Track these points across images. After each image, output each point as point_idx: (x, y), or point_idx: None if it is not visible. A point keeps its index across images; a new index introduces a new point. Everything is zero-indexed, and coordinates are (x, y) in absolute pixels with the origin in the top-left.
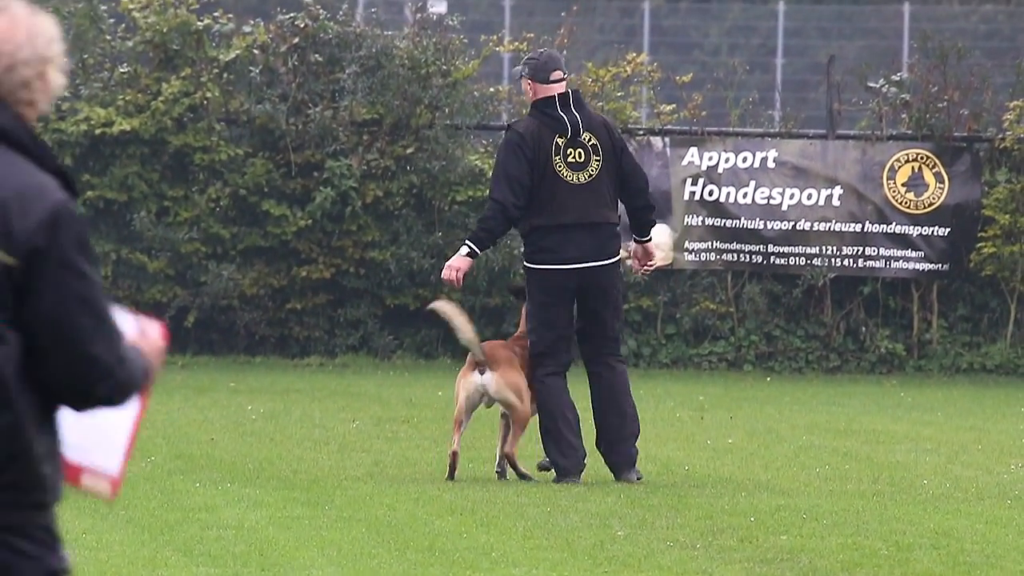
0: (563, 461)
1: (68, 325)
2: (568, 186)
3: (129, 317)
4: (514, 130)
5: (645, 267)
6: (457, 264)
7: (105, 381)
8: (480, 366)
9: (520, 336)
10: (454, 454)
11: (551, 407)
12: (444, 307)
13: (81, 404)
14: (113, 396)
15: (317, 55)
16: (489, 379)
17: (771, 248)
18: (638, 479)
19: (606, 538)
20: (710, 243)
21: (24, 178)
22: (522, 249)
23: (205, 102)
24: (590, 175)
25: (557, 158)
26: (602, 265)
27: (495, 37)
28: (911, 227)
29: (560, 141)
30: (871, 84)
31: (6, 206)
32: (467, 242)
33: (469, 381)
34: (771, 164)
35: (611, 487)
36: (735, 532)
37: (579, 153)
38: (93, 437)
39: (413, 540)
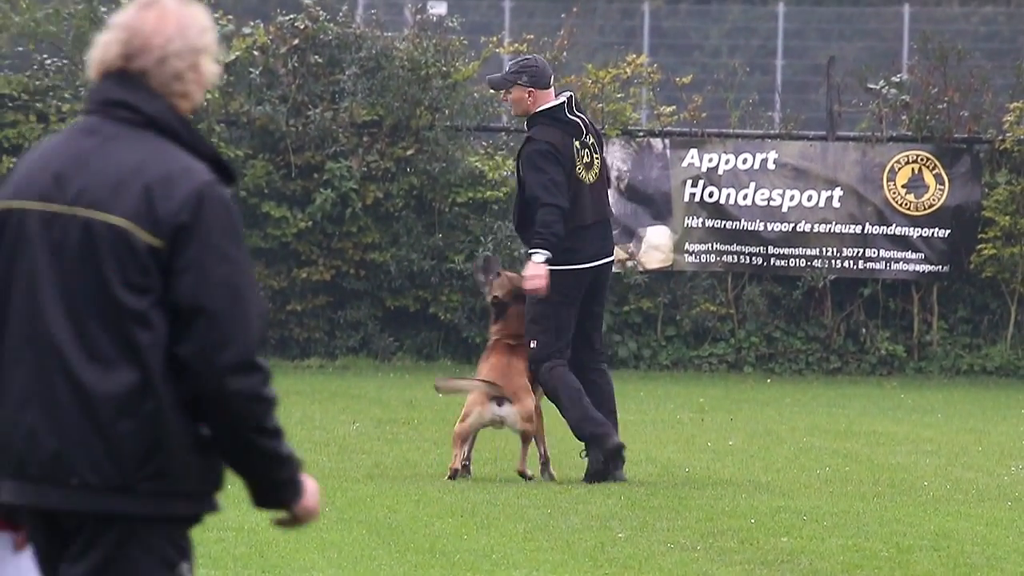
0: (600, 429)
1: (208, 305)
2: (585, 187)
3: None
4: (543, 141)
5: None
6: (542, 272)
7: (238, 376)
8: (499, 399)
9: (507, 336)
10: (455, 471)
11: (570, 391)
12: (447, 386)
13: (215, 396)
14: (242, 404)
15: (317, 56)
16: (508, 412)
17: (771, 250)
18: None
19: (606, 540)
20: (710, 245)
21: (171, 162)
22: (526, 251)
23: (205, 103)
24: (596, 174)
25: (577, 161)
26: (609, 262)
27: (495, 38)
28: (911, 229)
29: (577, 144)
30: (871, 86)
31: (151, 190)
32: (540, 250)
33: (487, 411)
34: (771, 166)
35: (611, 489)
36: (735, 534)
37: (587, 153)
38: None
39: (414, 542)
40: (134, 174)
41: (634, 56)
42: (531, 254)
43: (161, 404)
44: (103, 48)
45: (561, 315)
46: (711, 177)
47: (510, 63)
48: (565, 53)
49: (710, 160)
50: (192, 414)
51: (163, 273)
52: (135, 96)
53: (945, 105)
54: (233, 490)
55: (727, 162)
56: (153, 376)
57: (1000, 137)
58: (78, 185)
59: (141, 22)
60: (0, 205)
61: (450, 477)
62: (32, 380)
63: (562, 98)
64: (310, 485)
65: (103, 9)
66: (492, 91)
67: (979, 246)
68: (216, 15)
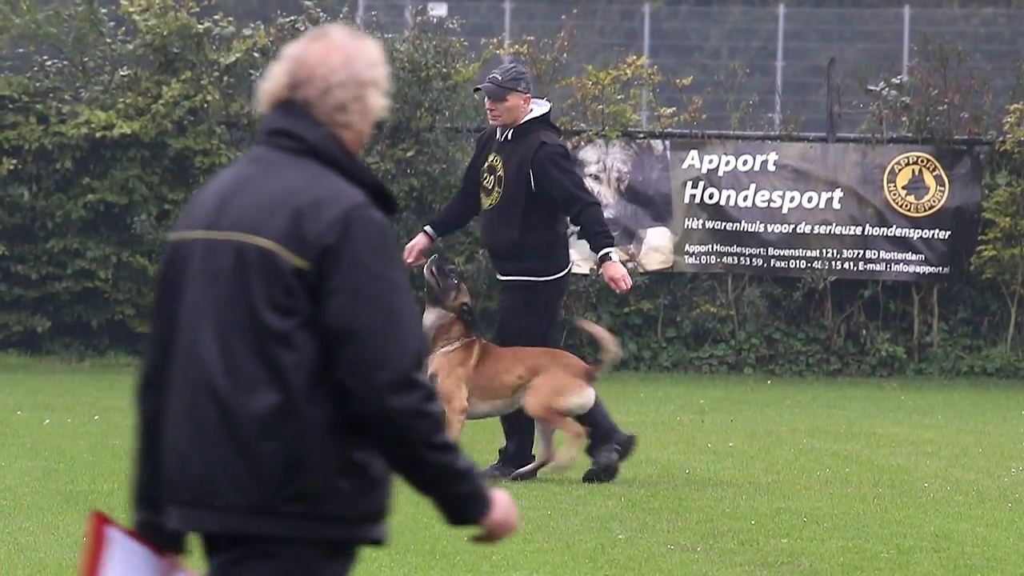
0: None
1: (360, 326)
2: None
3: None
4: (561, 145)
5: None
6: (625, 271)
7: (399, 394)
8: (592, 380)
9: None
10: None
11: None
12: (585, 326)
13: (372, 411)
14: (405, 415)
15: None
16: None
17: (771, 251)
18: None
19: (606, 541)
20: (710, 246)
21: (324, 187)
22: (599, 254)
23: (205, 105)
24: None
25: None
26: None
27: (495, 40)
28: (911, 230)
29: None
30: (871, 87)
31: (301, 213)
32: (609, 249)
33: (590, 393)
34: (771, 167)
35: (611, 490)
36: (736, 535)
37: None
38: None
39: (414, 544)
40: (286, 198)
41: (634, 57)
42: (606, 255)
43: (304, 425)
44: (272, 79)
45: (546, 326)
46: (711, 178)
47: (498, 71)
48: (565, 55)
49: (710, 161)
50: (349, 436)
51: (310, 295)
52: (297, 125)
53: (945, 106)
54: None
55: (727, 163)
56: (296, 397)
57: (1000, 138)
58: (236, 211)
59: (308, 53)
60: (174, 237)
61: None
62: (185, 404)
63: (546, 105)
64: (500, 498)
65: (103, 11)
66: (483, 97)
67: (979, 247)
68: (216, 16)
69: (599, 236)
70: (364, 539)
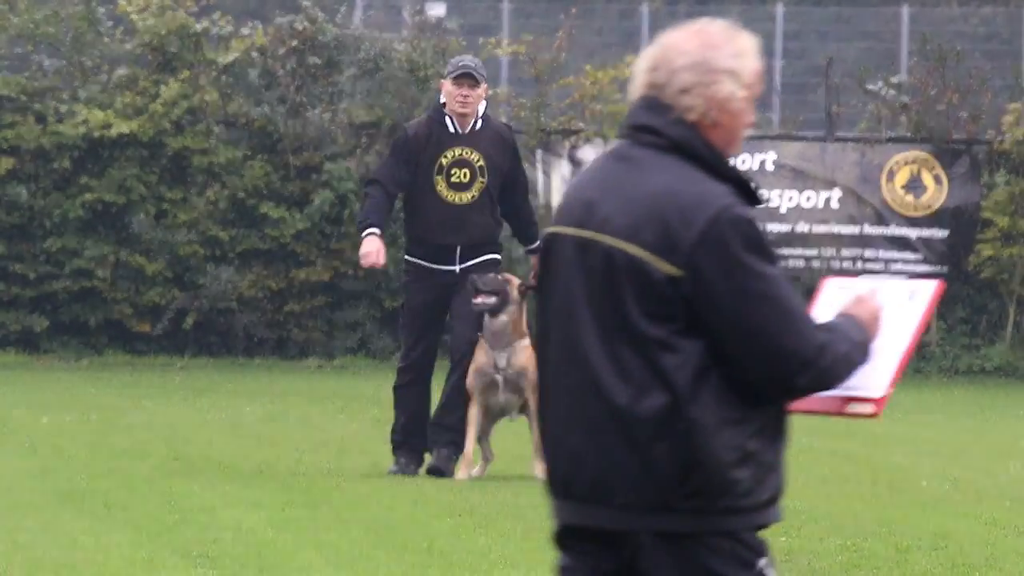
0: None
1: (754, 325)
2: None
3: (894, 284)
4: None
5: None
6: None
7: (803, 373)
8: None
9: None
10: None
11: None
12: None
13: (783, 398)
14: (815, 385)
15: (315, 58)
16: None
17: None
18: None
19: None
20: None
21: (690, 190)
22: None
23: (203, 105)
24: None
25: None
26: None
27: (493, 40)
28: (910, 229)
29: None
30: (870, 86)
31: (669, 219)
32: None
33: None
34: (770, 166)
35: None
36: None
37: None
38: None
39: (411, 542)
40: (653, 203)
41: (633, 57)
42: (535, 249)
43: (692, 424)
44: (638, 68)
45: None
46: None
47: (467, 60)
48: (564, 54)
49: None
50: (740, 428)
51: (686, 301)
52: (658, 120)
53: (944, 106)
54: (231, 490)
55: None
56: (681, 398)
57: (999, 138)
58: (603, 212)
59: (669, 39)
60: (550, 229)
61: None
62: (573, 402)
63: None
64: (861, 312)
65: (101, 11)
66: (460, 79)
67: (978, 247)
68: (215, 16)
69: (535, 226)
70: (760, 525)
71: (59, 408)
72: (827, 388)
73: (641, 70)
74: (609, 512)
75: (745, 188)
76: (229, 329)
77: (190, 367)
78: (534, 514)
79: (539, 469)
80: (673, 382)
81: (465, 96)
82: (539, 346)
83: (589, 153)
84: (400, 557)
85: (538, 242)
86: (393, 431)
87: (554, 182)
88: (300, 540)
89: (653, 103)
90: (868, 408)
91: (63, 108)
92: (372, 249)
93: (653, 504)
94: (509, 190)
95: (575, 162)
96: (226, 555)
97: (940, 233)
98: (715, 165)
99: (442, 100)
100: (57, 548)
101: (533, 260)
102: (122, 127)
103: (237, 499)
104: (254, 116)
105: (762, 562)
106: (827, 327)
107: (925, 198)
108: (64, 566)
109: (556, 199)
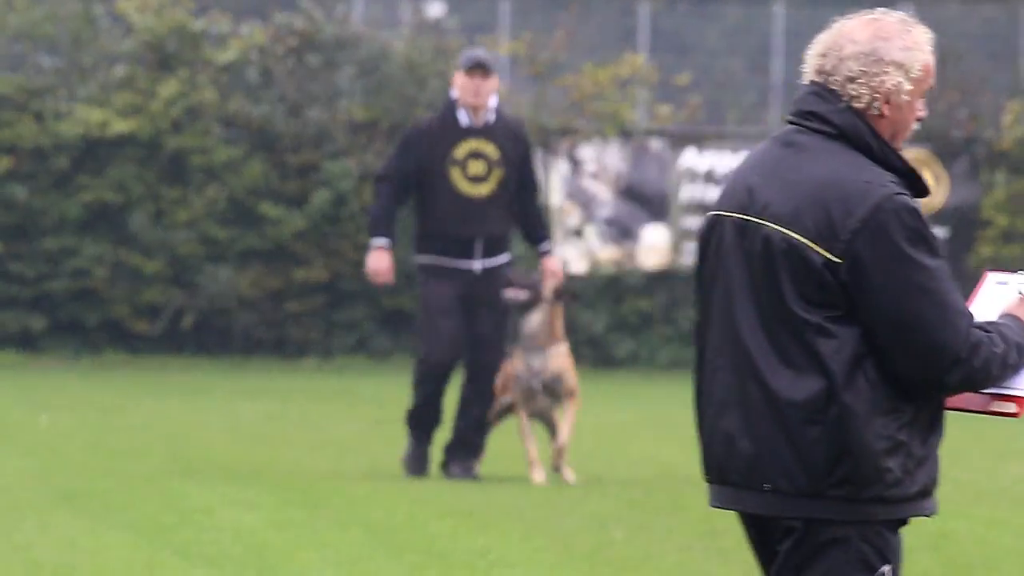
0: None
1: (910, 316)
2: None
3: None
4: None
5: None
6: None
7: (954, 370)
8: None
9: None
10: None
11: None
12: None
13: (933, 393)
14: (965, 384)
15: (314, 56)
16: None
17: None
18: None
19: (604, 540)
20: None
21: (853, 177)
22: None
23: (202, 104)
24: None
25: None
26: None
27: (492, 38)
28: None
29: None
30: None
31: (830, 206)
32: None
33: None
34: None
35: (609, 489)
36: (734, 533)
37: None
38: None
39: (411, 542)
40: (815, 190)
41: (632, 55)
42: (550, 249)
43: (845, 410)
44: (811, 53)
45: None
46: (709, 177)
47: (479, 52)
48: (563, 53)
49: (708, 160)
50: (892, 418)
51: (844, 288)
52: (825, 107)
53: (944, 105)
54: (230, 490)
55: (725, 162)
56: (836, 383)
57: (998, 137)
58: (765, 197)
59: (842, 26)
60: (709, 215)
61: None
62: (729, 385)
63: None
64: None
65: (99, 9)
66: (472, 71)
67: (977, 246)
68: (213, 14)
69: (544, 227)
70: (912, 515)
71: (57, 408)
72: (978, 388)
73: (812, 55)
74: (761, 498)
75: (910, 178)
76: (228, 329)
77: (188, 367)
78: (534, 515)
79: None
80: (829, 367)
81: (478, 87)
82: (699, 329)
83: (588, 152)
84: (399, 558)
85: (548, 244)
86: (409, 415)
87: (553, 181)
88: (299, 541)
89: (821, 89)
90: (1011, 407)
91: (61, 107)
92: (381, 268)
93: (804, 491)
94: (520, 188)
95: (574, 161)
96: (225, 556)
97: (940, 232)
98: (880, 154)
99: (454, 94)
100: (55, 549)
101: (543, 262)
102: (120, 126)
103: (236, 499)
104: (253, 115)
105: (885, 569)
106: (985, 326)
107: (924, 197)
108: (62, 567)
109: (555, 198)
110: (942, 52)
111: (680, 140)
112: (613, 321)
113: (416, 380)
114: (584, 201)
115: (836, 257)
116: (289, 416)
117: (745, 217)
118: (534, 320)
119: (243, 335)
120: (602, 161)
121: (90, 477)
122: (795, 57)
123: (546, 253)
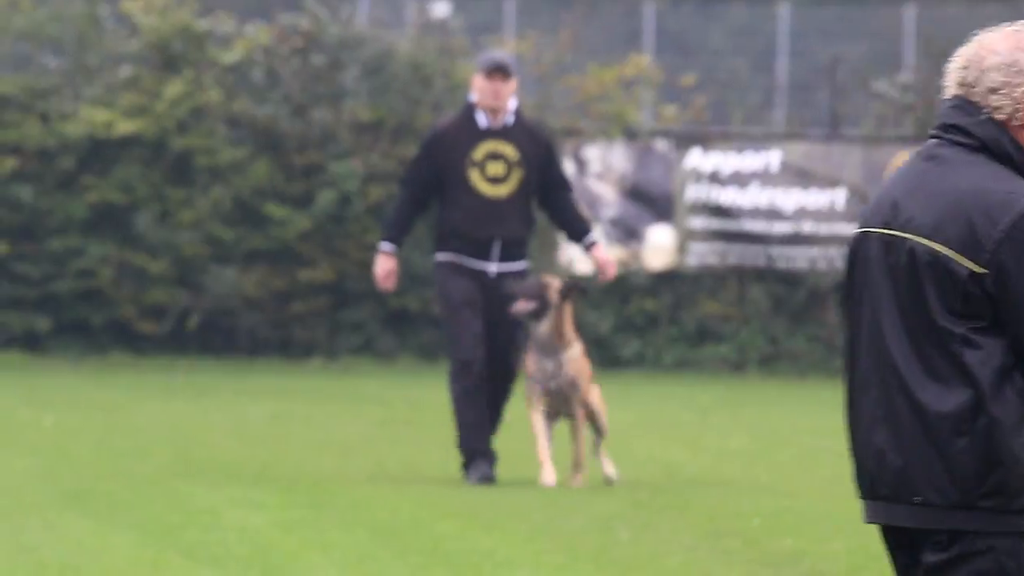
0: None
1: None
2: None
3: None
4: None
5: None
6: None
7: None
8: None
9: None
10: None
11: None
12: None
13: None
14: None
15: (319, 57)
16: None
17: (774, 250)
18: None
19: (609, 541)
20: (713, 245)
21: (996, 188)
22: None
23: (207, 104)
24: None
25: None
26: None
27: (497, 38)
28: None
29: None
30: (875, 86)
31: (973, 217)
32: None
33: None
34: (774, 166)
35: (614, 491)
36: (739, 535)
37: None
38: None
39: (416, 543)
40: (958, 201)
41: (637, 56)
42: (595, 241)
43: (993, 421)
44: (953, 66)
45: None
46: (714, 177)
47: (496, 55)
48: (568, 53)
49: (713, 161)
50: None
51: (990, 299)
52: (966, 119)
53: None
54: (235, 491)
55: (730, 163)
56: (984, 394)
57: None
58: (909, 211)
59: (984, 38)
60: (856, 232)
61: None
62: (878, 401)
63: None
64: None
65: (104, 10)
66: (492, 73)
67: None
68: (219, 14)
69: (584, 221)
70: None
71: (63, 409)
72: None
73: (954, 68)
74: (911, 511)
75: None
76: (233, 329)
77: (193, 368)
78: (539, 516)
79: (576, 479)
80: (977, 378)
81: (497, 90)
82: (849, 345)
83: (593, 152)
84: (404, 558)
85: (592, 236)
86: (460, 440)
87: None
88: (304, 541)
89: (962, 102)
90: None
91: (67, 108)
92: (381, 273)
93: (954, 503)
94: (552, 188)
95: (579, 161)
96: (230, 556)
97: None
98: (1023, 164)
99: (473, 96)
100: (61, 549)
101: (593, 254)
102: (126, 127)
103: (241, 500)
104: (258, 115)
105: None
106: None
107: None
108: (68, 567)
109: None
110: (947, 52)
111: (685, 140)
112: (619, 321)
113: (454, 394)
114: (589, 201)
115: (981, 268)
116: (294, 416)
117: (890, 232)
118: (544, 327)
119: (248, 335)
120: (607, 161)
121: (95, 477)
122: (800, 57)
123: (593, 244)
